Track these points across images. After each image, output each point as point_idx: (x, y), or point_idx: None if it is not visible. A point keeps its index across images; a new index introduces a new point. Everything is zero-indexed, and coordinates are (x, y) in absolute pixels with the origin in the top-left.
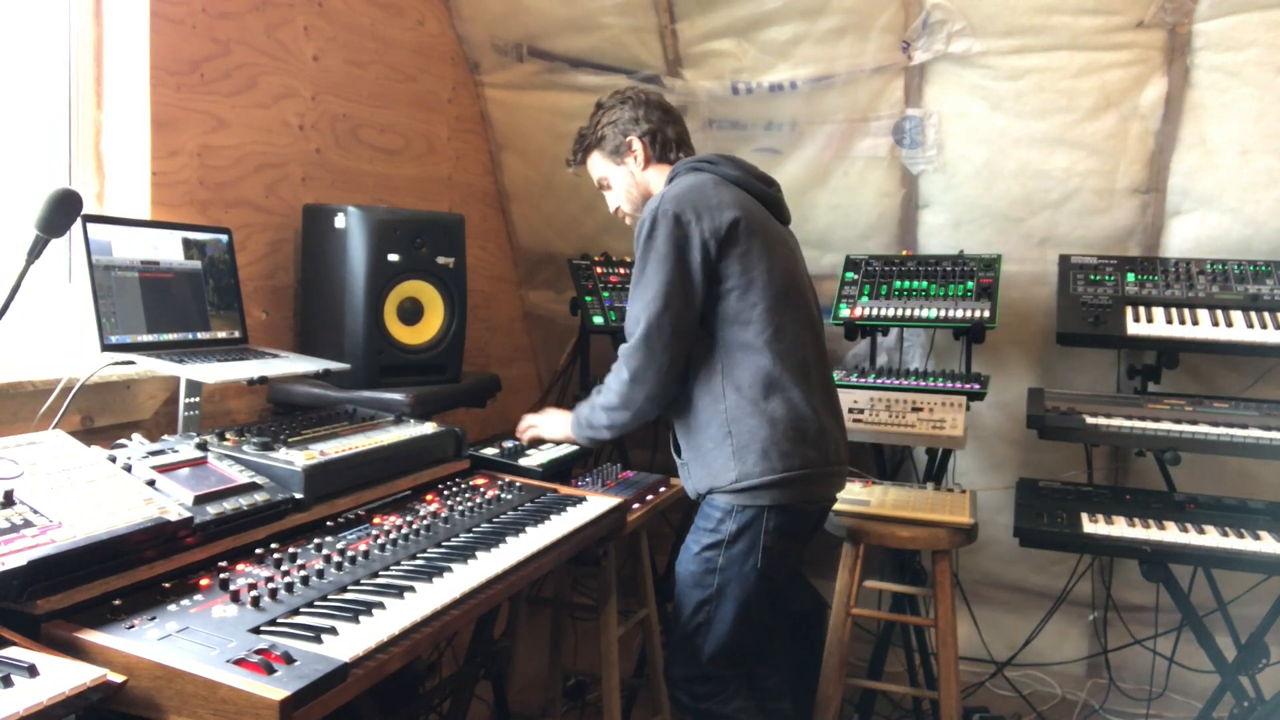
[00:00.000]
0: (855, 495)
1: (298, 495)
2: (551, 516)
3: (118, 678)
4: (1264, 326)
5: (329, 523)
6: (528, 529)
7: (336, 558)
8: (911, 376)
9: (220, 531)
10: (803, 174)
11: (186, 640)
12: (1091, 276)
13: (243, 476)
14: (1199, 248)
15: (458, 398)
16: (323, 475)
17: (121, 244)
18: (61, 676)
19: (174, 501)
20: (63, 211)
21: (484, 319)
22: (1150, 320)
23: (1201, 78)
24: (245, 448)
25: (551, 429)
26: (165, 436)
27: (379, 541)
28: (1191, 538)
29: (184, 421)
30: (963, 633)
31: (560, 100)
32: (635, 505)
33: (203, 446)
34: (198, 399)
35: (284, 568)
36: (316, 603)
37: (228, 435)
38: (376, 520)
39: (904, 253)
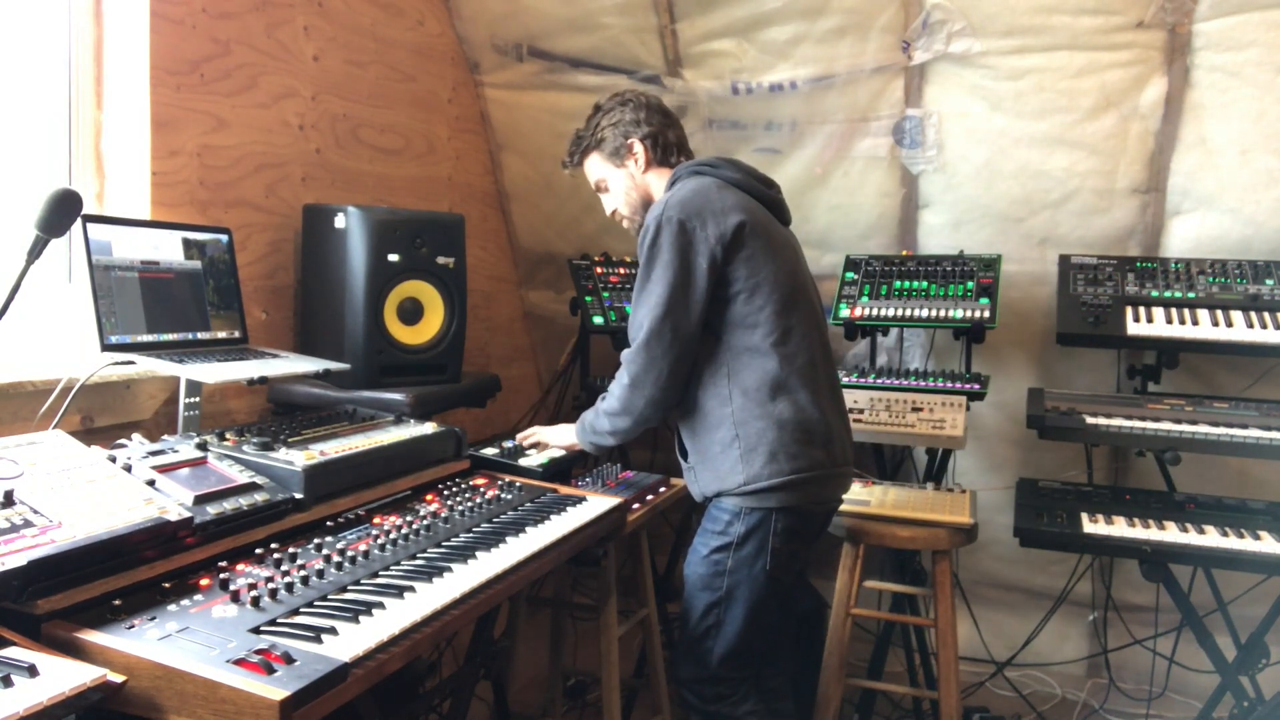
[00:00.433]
0: (855, 495)
1: (298, 495)
2: (551, 516)
3: (118, 678)
4: (1264, 326)
5: (329, 523)
6: (528, 529)
7: (336, 558)
8: (911, 376)
9: (220, 531)
10: (803, 174)
11: (186, 640)
12: (1091, 276)
13: (243, 476)
14: (1199, 248)
15: (458, 398)
16: (323, 475)
17: (121, 244)
18: (61, 676)
19: (174, 501)
20: (63, 211)
21: (484, 319)
22: (1150, 320)
23: (1201, 78)
24: (245, 448)
25: (556, 437)
26: (165, 436)
27: (379, 541)
28: (1191, 538)
29: (184, 421)
30: (963, 633)
31: (560, 100)
32: (635, 505)
33: (203, 446)
34: (198, 399)
35: (284, 568)
36: (316, 603)
37: (228, 435)
38: (376, 520)
39: (904, 253)
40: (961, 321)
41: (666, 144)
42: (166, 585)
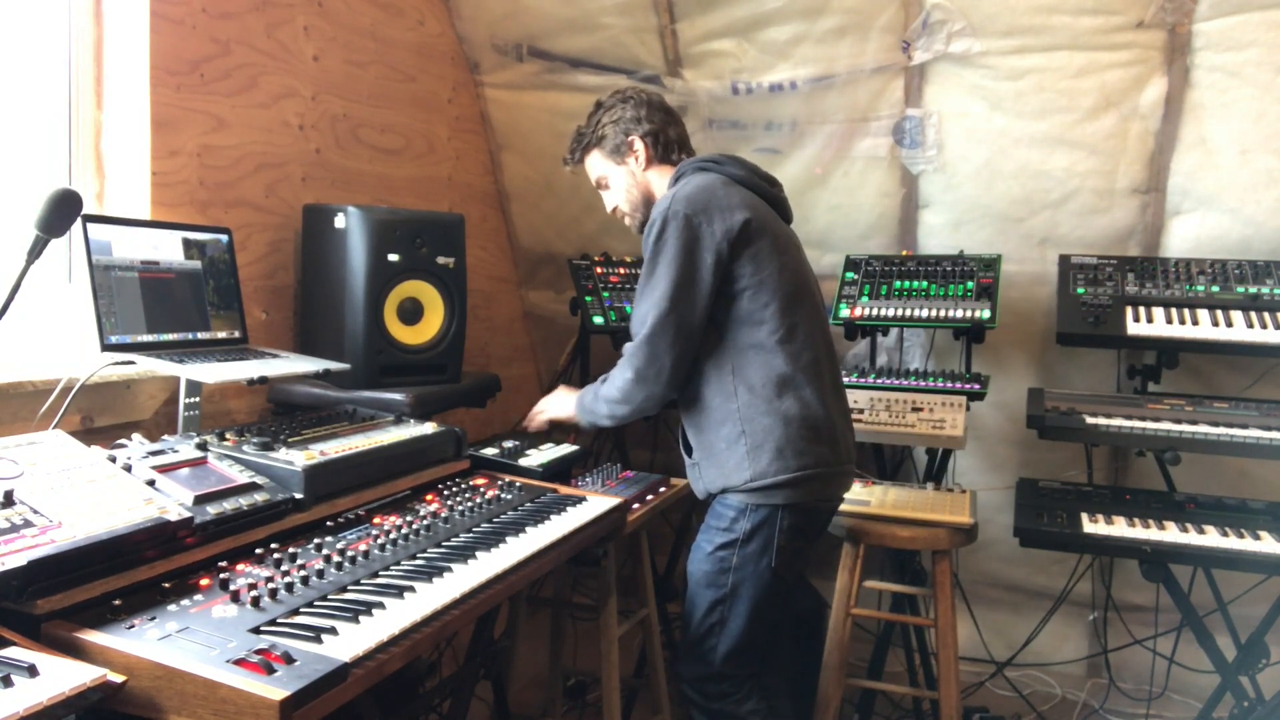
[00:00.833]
0: (855, 495)
1: (298, 495)
2: (551, 516)
3: (118, 678)
4: (1264, 326)
5: (329, 523)
6: (528, 529)
7: (336, 558)
8: (911, 376)
9: (220, 531)
10: (803, 174)
11: (186, 640)
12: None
13: (243, 476)
14: (1199, 248)
15: (458, 398)
16: (323, 475)
17: (121, 244)
18: (61, 676)
19: (174, 501)
20: (63, 211)
21: (484, 319)
22: (1150, 320)
23: (1201, 78)
24: (245, 448)
25: (558, 407)
26: (165, 436)
27: (379, 541)
28: (1191, 538)
29: (184, 421)
30: (963, 633)
31: (560, 100)
32: (635, 505)
33: (203, 446)
34: (198, 399)
35: (284, 568)
36: (316, 603)
37: (228, 435)
38: (376, 520)
39: (904, 253)
40: (961, 321)
41: (668, 141)
42: (166, 585)
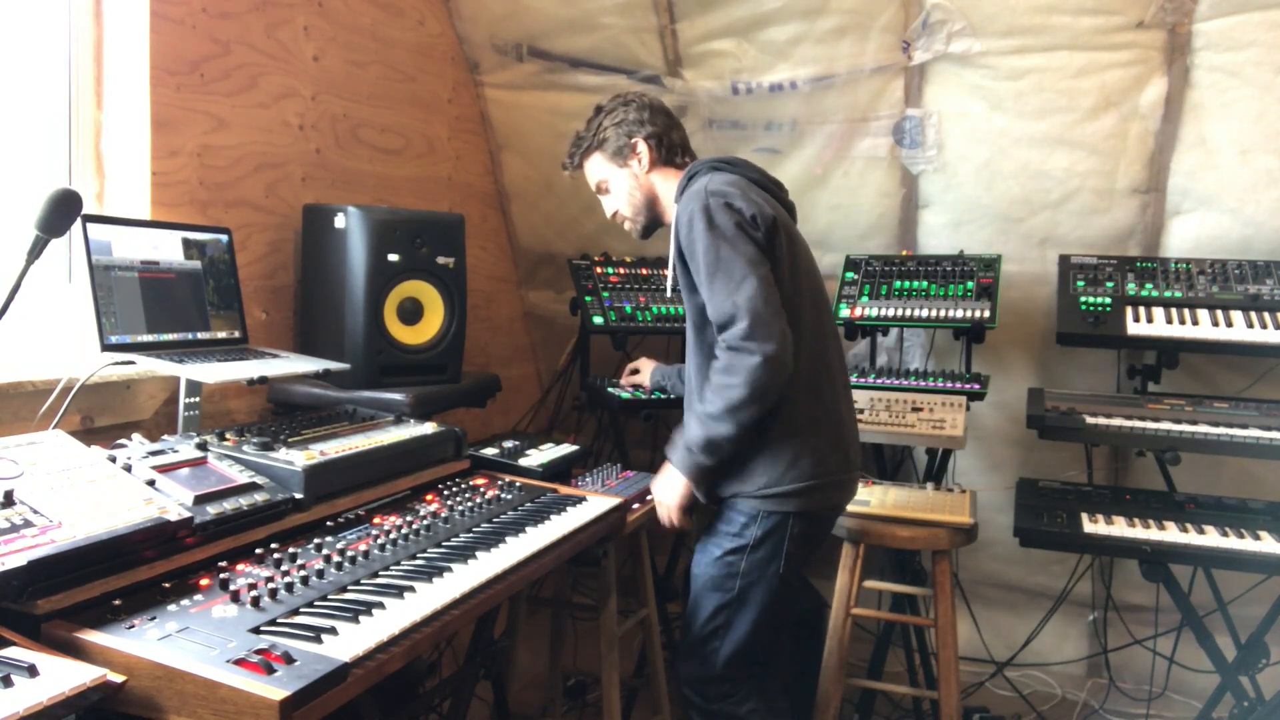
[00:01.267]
0: (855, 495)
1: (298, 495)
2: (551, 516)
3: (118, 678)
4: (1264, 326)
5: (329, 523)
6: (528, 529)
7: (336, 558)
8: (911, 376)
9: (220, 531)
10: (803, 174)
11: (186, 640)
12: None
13: (243, 476)
14: (1199, 248)
15: (458, 398)
16: (323, 475)
17: (121, 244)
18: (61, 676)
19: (174, 501)
20: (63, 211)
21: (484, 319)
22: (1150, 320)
23: (1201, 78)
24: (245, 448)
25: (667, 489)
26: (165, 436)
27: (379, 541)
28: (1191, 538)
29: (184, 421)
30: (963, 633)
31: (560, 100)
32: (635, 505)
33: (203, 446)
34: (198, 399)
35: (284, 568)
36: (316, 603)
37: (228, 435)
38: (376, 520)
39: (904, 253)
40: (961, 321)
41: (671, 144)
42: (166, 585)
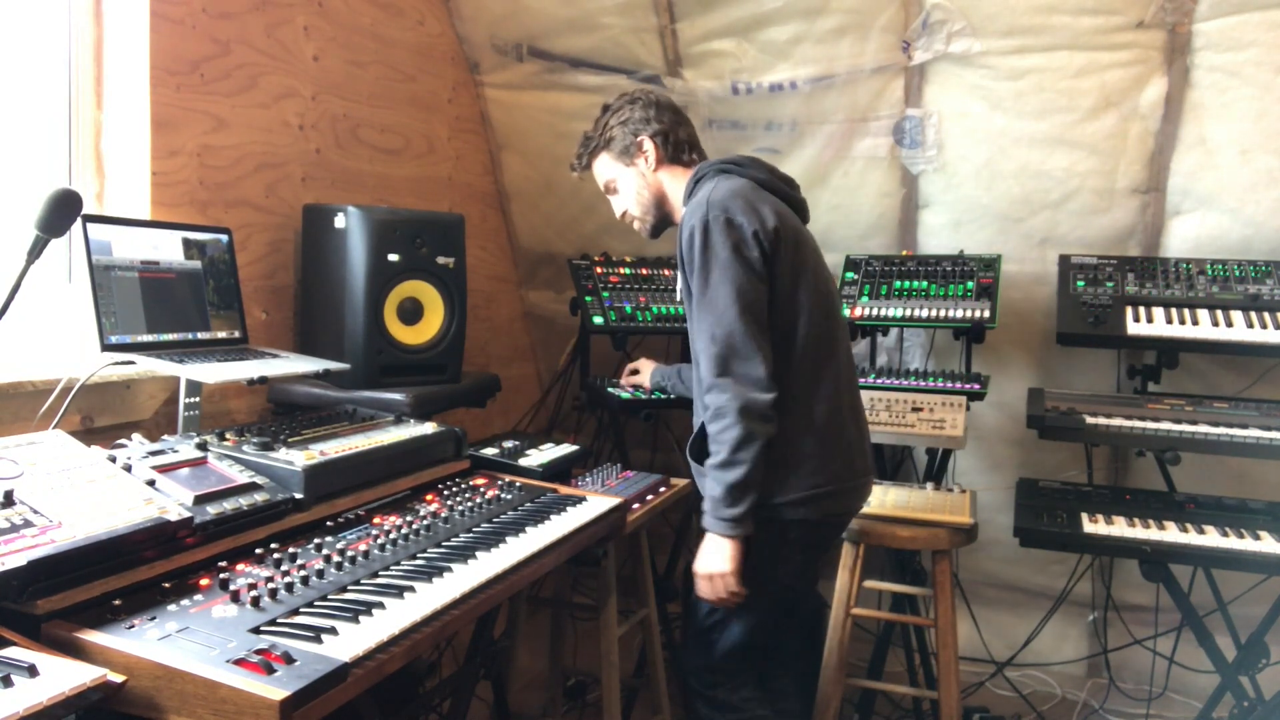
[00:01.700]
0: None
1: (298, 495)
2: (551, 516)
3: (118, 678)
4: (1264, 326)
5: (329, 523)
6: (528, 529)
7: (336, 558)
8: (911, 376)
9: (220, 531)
10: (804, 174)
11: (186, 640)
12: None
13: (243, 476)
14: (1199, 248)
15: (458, 398)
16: (323, 475)
17: (121, 244)
18: (61, 676)
19: (174, 501)
20: (63, 211)
21: (484, 319)
22: (1150, 320)
23: (1201, 78)
24: (245, 448)
25: (710, 560)
26: (165, 436)
27: (379, 541)
28: (1191, 538)
29: (184, 421)
30: (963, 633)
31: (560, 100)
32: (635, 505)
33: (203, 446)
34: (198, 399)
35: (284, 568)
36: (316, 603)
37: (228, 435)
38: (376, 520)
39: (904, 253)
40: (961, 321)
41: (678, 141)
42: (166, 585)
